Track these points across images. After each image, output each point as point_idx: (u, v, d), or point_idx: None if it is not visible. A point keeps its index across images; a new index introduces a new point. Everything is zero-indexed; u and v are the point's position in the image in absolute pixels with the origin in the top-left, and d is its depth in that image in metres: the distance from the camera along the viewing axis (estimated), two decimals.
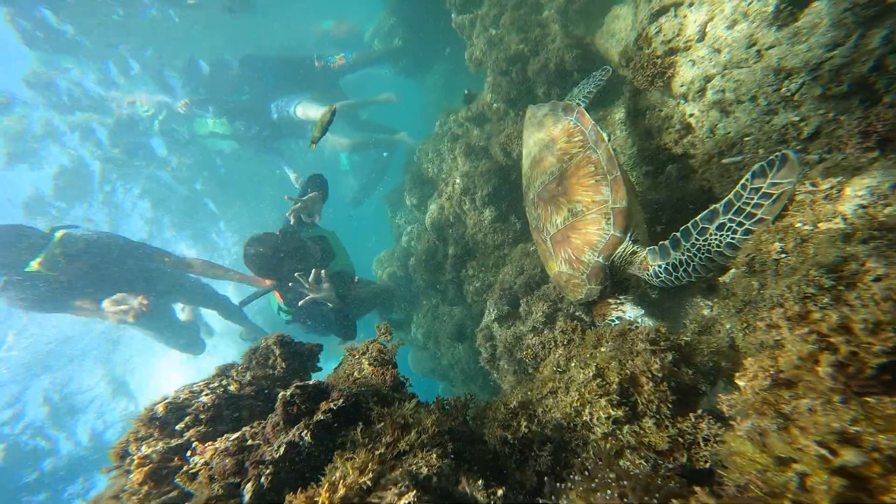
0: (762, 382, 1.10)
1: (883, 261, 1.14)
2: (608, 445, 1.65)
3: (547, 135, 2.64)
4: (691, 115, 2.50)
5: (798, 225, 1.55)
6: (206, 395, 1.71)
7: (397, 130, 9.05)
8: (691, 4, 2.31)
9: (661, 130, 2.81)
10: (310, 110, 7.80)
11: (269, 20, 12.12)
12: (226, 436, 1.52)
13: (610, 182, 2.16)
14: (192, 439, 1.62)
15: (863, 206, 1.32)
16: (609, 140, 2.21)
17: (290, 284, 3.99)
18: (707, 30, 2.24)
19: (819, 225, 1.46)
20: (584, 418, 1.74)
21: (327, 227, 4.96)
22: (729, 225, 1.79)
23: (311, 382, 1.58)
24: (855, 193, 1.35)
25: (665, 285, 2.15)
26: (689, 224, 1.95)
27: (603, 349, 1.99)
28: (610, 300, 2.43)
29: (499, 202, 4.54)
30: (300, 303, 3.92)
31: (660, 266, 2.10)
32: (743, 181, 1.71)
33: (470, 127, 5.25)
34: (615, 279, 2.36)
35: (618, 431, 1.65)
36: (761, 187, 1.63)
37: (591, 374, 1.82)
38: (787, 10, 1.71)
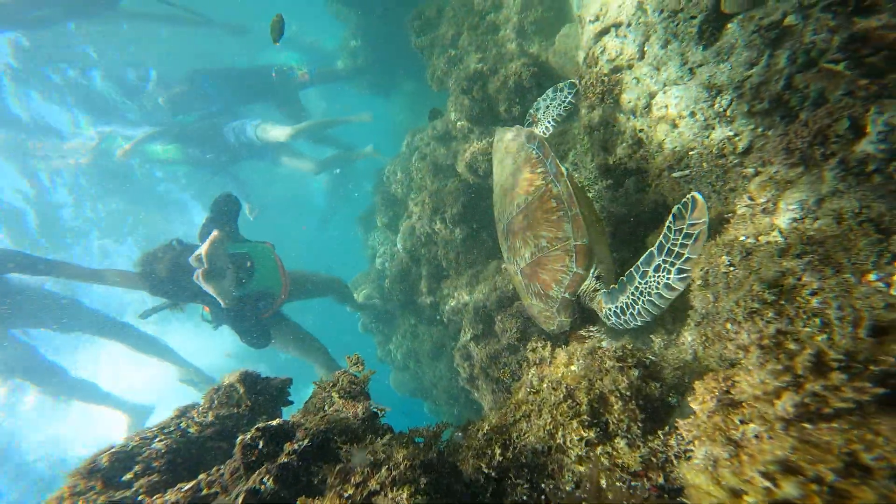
0: (710, 405, 1.12)
1: (817, 275, 1.18)
2: (582, 469, 1.64)
3: (514, 162, 2.65)
4: (641, 131, 2.58)
5: (742, 238, 1.60)
6: (160, 440, 1.62)
7: (355, 147, 8.80)
8: (629, 25, 2.40)
9: (616, 145, 2.88)
10: (271, 131, 7.43)
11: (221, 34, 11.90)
12: (179, 485, 1.44)
13: (571, 218, 2.19)
14: (142, 490, 1.52)
15: (795, 220, 1.37)
16: (567, 174, 2.22)
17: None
18: (645, 49, 2.32)
19: (759, 238, 1.51)
20: (558, 441, 1.72)
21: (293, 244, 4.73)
22: (664, 266, 1.86)
23: (273, 423, 1.52)
24: (787, 207, 1.40)
25: (618, 328, 2.20)
26: (632, 268, 2.01)
27: (574, 367, 2.00)
28: (582, 332, 2.48)
29: (469, 220, 4.56)
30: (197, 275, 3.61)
31: (610, 309, 2.15)
32: (668, 223, 1.80)
33: (436, 146, 5.29)
34: (584, 311, 2.41)
35: (591, 453, 1.64)
36: (683, 228, 1.72)
37: (561, 395, 1.81)
38: (709, 31, 1.80)
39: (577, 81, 2.99)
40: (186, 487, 1.33)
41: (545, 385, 2.04)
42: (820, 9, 1.23)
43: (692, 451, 1.21)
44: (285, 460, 1.32)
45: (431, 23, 5.50)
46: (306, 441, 1.40)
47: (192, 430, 1.64)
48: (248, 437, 1.33)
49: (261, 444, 1.32)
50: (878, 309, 0.80)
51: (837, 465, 0.75)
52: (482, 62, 4.55)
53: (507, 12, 4.69)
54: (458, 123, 4.92)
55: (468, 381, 3.77)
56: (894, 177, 1.11)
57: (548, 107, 3.14)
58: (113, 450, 1.58)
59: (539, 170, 2.42)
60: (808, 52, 1.39)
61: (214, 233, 3.82)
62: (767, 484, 0.82)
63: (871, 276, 1.07)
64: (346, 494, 1.37)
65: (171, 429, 1.62)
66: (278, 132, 7.35)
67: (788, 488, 0.78)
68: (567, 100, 3.03)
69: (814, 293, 1.13)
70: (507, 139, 2.81)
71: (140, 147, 8.10)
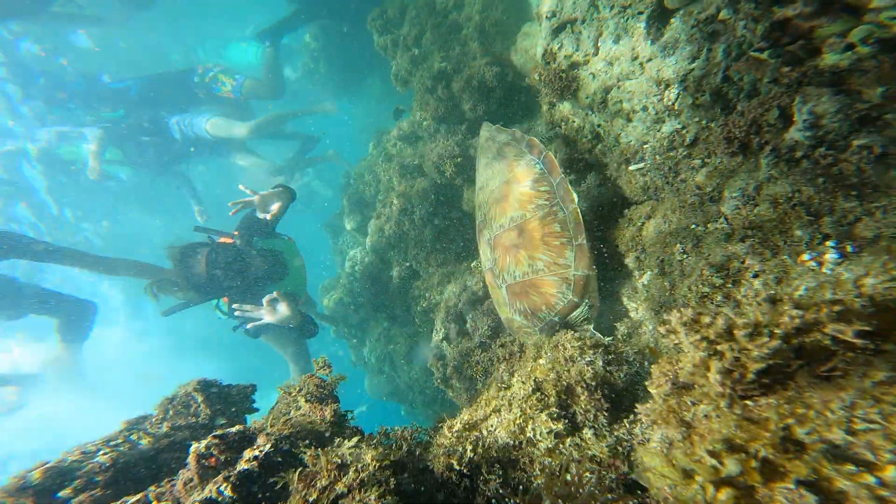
0: (665, 388, 1.15)
1: (758, 258, 1.24)
2: (553, 461, 1.66)
3: (509, 170, 2.55)
4: (599, 126, 2.64)
5: (692, 226, 1.67)
6: (105, 454, 1.52)
7: (317, 153, 8.18)
8: (584, 21, 2.45)
9: (577, 140, 2.94)
10: (226, 127, 6.62)
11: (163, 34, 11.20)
12: (124, 499, 1.36)
13: (575, 248, 2.18)
14: None
15: (738, 207, 1.43)
16: (577, 201, 2.19)
17: (235, 312, 3.60)
18: (599, 44, 2.38)
19: (708, 225, 1.58)
20: (528, 434, 1.74)
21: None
22: None
23: (232, 430, 1.46)
24: (731, 195, 1.46)
25: None
26: None
27: (542, 360, 2.02)
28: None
29: (438, 220, 4.55)
30: (248, 326, 3.57)
31: None
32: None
33: (403, 146, 5.27)
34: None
35: (560, 445, 1.66)
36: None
37: (530, 388, 1.83)
38: (656, 26, 1.85)
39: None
40: (132, 501, 1.25)
41: (515, 379, 2.06)
42: None
43: (650, 437, 1.23)
44: (245, 467, 1.27)
45: (394, 22, 5.47)
46: (268, 446, 1.35)
47: (143, 441, 1.55)
48: (203, 444, 1.27)
49: (216, 451, 1.26)
50: (799, 291, 0.84)
51: (775, 441, 0.78)
52: (445, 61, 4.55)
53: (468, 11, 4.72)
54: (424, 123, 4.91)
55: (442, 381, 3.76)
56: (820, 162, 1.17)
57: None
58: (47, 465, 1.46)
59: (543, 188, 2.34)
60: (740, 45, 1.45)
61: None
62: (714, 462, 0.84)
63: (805, 257, 1.12)
64: (311, 499, 1.33)
65: (119, 441, 1.53)
66: (235, 128, 6.61)
67: (731, 466, 0.80)
68: None
69: (756, 275, 1.18)
70: (500, 140, 2.68)
71: (100, 158, 7.18)
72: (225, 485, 1.20)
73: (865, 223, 1.06)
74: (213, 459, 1.26)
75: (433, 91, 4.66)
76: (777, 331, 0.81)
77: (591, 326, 2.36)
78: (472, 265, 4.03)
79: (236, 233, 3.94)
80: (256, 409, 2.32)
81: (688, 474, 0.95)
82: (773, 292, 0.85)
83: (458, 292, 3.77)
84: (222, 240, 3.95)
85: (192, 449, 1.26)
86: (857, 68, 1.10)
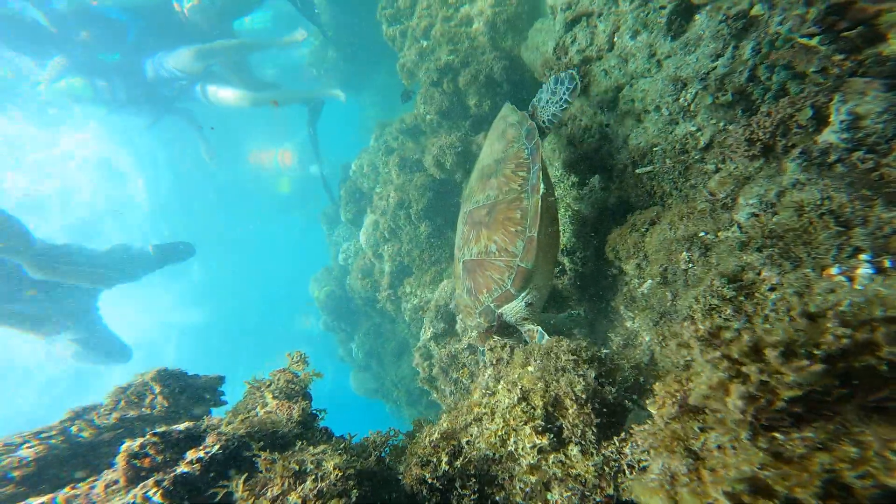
0: (670, 410, 1.01)
1: (776, 269, 1.11)
2: (534, 478, 1.52)
3: (503, 152, 2.54)
4: (607, 125, 2.51)
5: (701, 234, 1.54)
6: (31, 447, 1.38)
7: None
8: (600, 15, 2.33)
9: (583, 140, 2.81)
10: (184, 52, 6.18)
11: None
12: (28, 500, 1.21)
13: (526, 239, 2.11)
14: None
15: (754, 215, 1.30)
16: (543, 193, 2.11)
17: None
18: (615, 40, 2.25)
19: (719, 234, 1.45)
20: (510, 448, 1.61)
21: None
22: None
23: (178, 427, 1.32)
24: (746, 202, 1.34)
25: None
26: None
27: (530, 368, 1.90)
28: (496, 337, 2.44)
29: (435, 216, 4.43)
30: None
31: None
32: None
33: (404, 139, 5.14)
34: (504, 324, 2.36)
35: (543, 462, 1.52)
36: None
37: (515, 398, 1.70)
38: (678, 21, 1.73)
39: (575, 73, 2.50)
40: (37, 503, 1.11)
41: (500, 386, 1.93)
42: None
43: (647, 462, 1.09)
44: (185, 470, 1.13)
45: (404, 12, 5.35)
46: (216, 448, 1.21)
47: (84, 434, 1.41)
48: (138, 442, 1.13)
49: (153, 451, 1.12)
50: (841, 305, 0.72)
51: (816, 484, 0.64)
52: (454, 54, 4.42)
53: (481, 5, 4.59)
54: (428, 117, 4.79)
55: (427, 381, 3.64)
56: (858, 166, 1.05)
57: (548, 101, 2.70)
58: None
59: (521, 173, 2.30)
60: (772, 42, 1.33)
61: None
62: None
63: (833, 271, 1.00)
64: None
65: (53, 433, 1.39)
66: (192, 49, 6.17)
67: None
68: (564, 97, 2.59)
69: (772, 288, 1.05)
70: (510, 121, 2.67)
71: (52, 84, 6.58)
72: (155, 490, 1.06)
73: None
74: (148, 460, 1.12)
75: (439, 84, 4.54)
76: (817, 352, 0.68)
77: (535, 327, 2.26)
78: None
79: None
80: (225, 402, 2.19)
81: None
82: (808, 307, 0.72)
83: (450, 291, 3.65)
84: None
85: (123, 447, 1.12)
86: None
